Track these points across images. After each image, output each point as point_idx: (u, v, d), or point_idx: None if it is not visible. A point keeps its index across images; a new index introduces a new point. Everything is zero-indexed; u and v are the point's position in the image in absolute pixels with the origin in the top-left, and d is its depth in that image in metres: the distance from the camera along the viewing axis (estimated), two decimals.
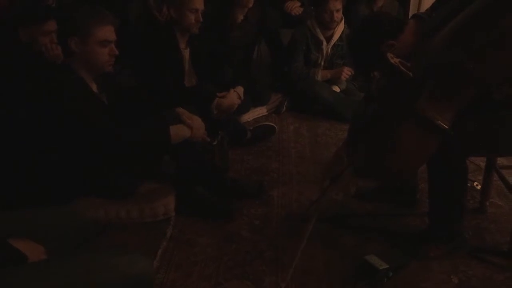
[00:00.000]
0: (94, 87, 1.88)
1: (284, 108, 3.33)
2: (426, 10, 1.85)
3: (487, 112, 1.58)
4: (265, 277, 1.68)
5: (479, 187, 2.18)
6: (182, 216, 2.02)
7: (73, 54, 1.79)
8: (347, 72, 3.30)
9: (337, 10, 3.17)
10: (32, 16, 2.02)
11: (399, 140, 1.50)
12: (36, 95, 1.81)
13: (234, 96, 2.70)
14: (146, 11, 3.05)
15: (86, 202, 1.89)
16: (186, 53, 2.63)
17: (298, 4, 3.67)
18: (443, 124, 1.43)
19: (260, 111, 3.26)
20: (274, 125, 2.94)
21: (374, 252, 1.73)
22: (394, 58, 1.58)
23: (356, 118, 2.03)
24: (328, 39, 3.29)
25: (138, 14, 3.06)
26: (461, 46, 1.40)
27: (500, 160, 2.19)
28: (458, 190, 1.74)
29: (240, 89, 2.74)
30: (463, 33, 1.43)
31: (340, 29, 3.28)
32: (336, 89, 3.32)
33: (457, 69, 1.39)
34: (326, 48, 3.30)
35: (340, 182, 1.85)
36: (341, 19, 3.25)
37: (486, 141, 1.66)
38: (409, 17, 1.97)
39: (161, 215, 1.98)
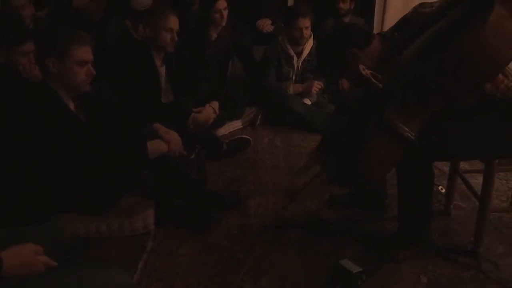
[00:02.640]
0: (72, 106, 1.89)
1: (259, 121, 3.41)
2: (389, 29, 1.96)
3: (449, 120, 1.65)
4: (244, 285, 1.73)
5: (443, 190, 2.29)
6: (161, 228, 2.05)
7: (51, 74, 1.80)
8: (317, 85, 3.41)
9: (306, 27, 3.28)
10: (10, 37, 2.01)
11: (369, 150, 1.57)
12: (13, 113, 1.81)
13: (210, 111, 2.76)
14: (123, 31, 3.10)
15: (65, 218, 1.89)
16: (162, 71, 2.68)
17: (269, 22, 3.80)
18: (410, 135, 1.51)
19: (235, 125, 3.32)
20: (249, 137, 3.01)
21: (349, 256, 1.80)
22: (366, 70, 1.64)
23: (327, 131, 2.11)
24: (299, 55, 3.40)
25: (115, 33, 3.10)
26: (432, 60, 1.47)
27: (463, 165, 2.30)
28: (425, 195, 1.82)
29: (215, 104, 2.80)
30: (433, 48, 1.51)
31: (309, 45, 3.40)
32: (307, 101, 3.43)
33: (427, 81, 1.47)
34: (297, 63, 3.41)
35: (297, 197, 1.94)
36: (310, 35, 3.36)
37: (446, 148, 1.74)
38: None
39: (141, 229, 2.01)
